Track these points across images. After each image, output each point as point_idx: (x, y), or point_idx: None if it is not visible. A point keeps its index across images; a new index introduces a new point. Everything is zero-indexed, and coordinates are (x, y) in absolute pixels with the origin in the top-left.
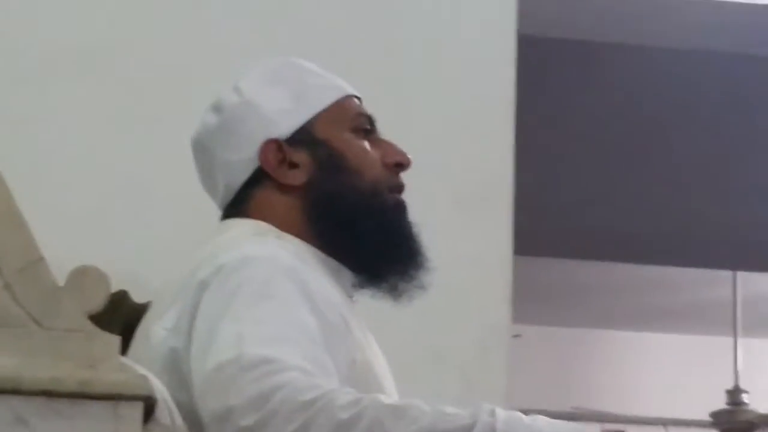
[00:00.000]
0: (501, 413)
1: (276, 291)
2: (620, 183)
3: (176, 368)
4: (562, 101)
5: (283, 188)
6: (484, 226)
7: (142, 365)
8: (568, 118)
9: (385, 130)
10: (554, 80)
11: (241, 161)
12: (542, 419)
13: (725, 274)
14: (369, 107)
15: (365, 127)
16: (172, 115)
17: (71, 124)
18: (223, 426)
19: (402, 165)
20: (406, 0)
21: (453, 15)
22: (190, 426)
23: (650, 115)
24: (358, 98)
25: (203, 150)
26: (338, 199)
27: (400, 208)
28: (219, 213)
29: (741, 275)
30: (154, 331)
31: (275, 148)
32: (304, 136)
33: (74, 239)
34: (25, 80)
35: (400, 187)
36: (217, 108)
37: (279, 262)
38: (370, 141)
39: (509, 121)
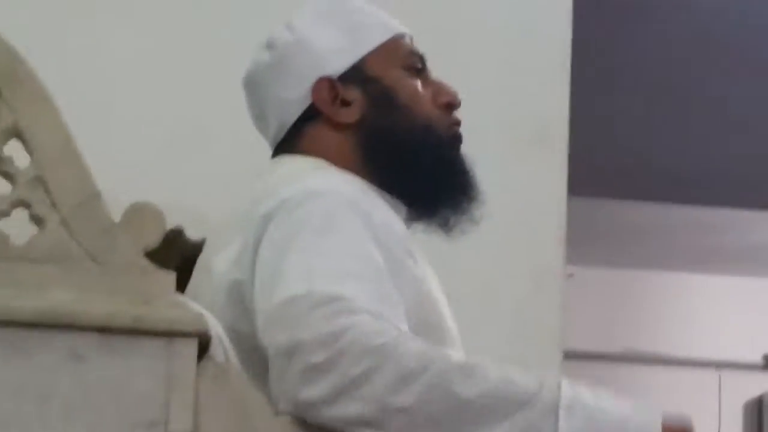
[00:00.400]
0: (567, 390)
1: (342, 224)
2: (676, 124)
3: (239, 299)
4: (619, 42)
5: (336, 125)
6: (539, 166)
7: (204, 298)
8: (624, 57)
9: (441, 69)
10: (610, 20)
11: (293, 98)
12: (608, 402)
13: None
14: (425, 48)
15: (417, 66)
16: (220, 49)
17: (128, 61)
18: (290, 360)
19: (452, 105)
20: None
21: None
22: (250, 356)
23: (707, 57)
24: (410, 37)
25: (256, 87)
26: (391, 135)
27: (455, 141)
28: (268, 150)
29: None
30: (216, 263)
31: (328, 85)
32: (356, 74)
33: (130, 176)
34: (87, 15)
35: (456, 122)
36: (270, 45)
37: (343, 195)
38: (421, 80)
39: (565, 60)
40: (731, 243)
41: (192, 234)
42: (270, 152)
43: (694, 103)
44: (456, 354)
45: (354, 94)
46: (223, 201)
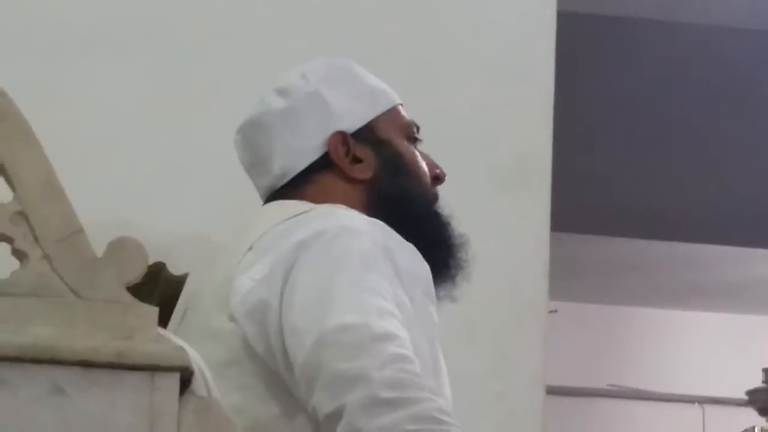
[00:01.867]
0: None
1: (377, 264)
2: (658, 160)
3: (261, 319)
4: (601, 78)
5: (348, 179)
6: (522, 203)
7: (234, 307)
8: (606, 94)
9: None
10: (593, 57)
11: (306, 147)
12: None
13: (762, 253)
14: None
15: (414, 135)
16: (210, 88)
17: (112, 98)
18: (353, 388)
19: (440, 179)
20: None
21: None
22: (263, 378)
23: (689, 92)
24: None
25: (263, 130)
26: (400, 199)
27: (447, 217)
28: (255, 189)
29: None
30: (241, 281)
31: (342, 140)
32: (368, 134)
33: (113, 211)
34: (65, 54)
35: (437, 197)
36: (284, 92)
37: (375, 236)
38: (416, 149)
39: (548, 97)
40: (714, 279)
41: (173, 269)
42: (254, 191)
43: (676, 140)
44: None
45: (365, 153)
46: (205, 237)
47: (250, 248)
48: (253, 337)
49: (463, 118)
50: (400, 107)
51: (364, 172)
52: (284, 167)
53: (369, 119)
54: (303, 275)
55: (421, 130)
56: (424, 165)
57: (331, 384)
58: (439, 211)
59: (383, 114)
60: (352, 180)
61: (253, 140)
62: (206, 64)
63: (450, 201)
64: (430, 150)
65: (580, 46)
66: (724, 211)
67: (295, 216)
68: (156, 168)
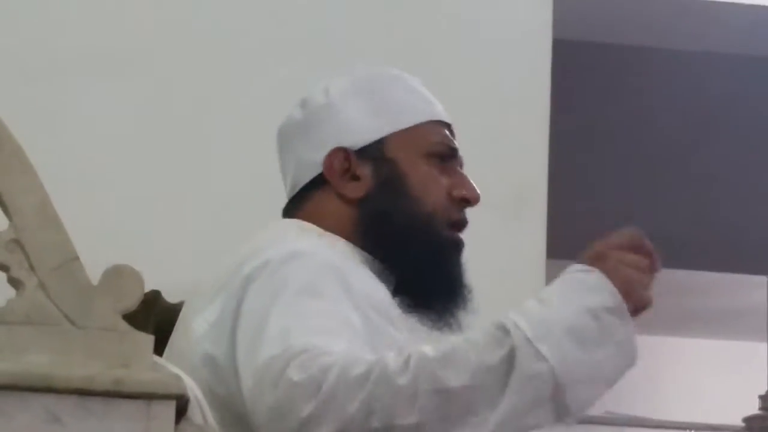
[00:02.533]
0: (521, 322)
1: (322, 287)
2: (655, 187)
3: (213, 368)
4: (597, 105)
5: (342, 197)
6: (518, 230)
7: (182, 358)
8: (602, 122)
9: None
10: (589, 84)
11: (310, 161)
12: (553, 300)
13: (760, 279)
14: None
15: (442, 154)
16: (206, 115)
17: (107, 126)
18: (283, 420)
19: (468, 201)
20: (442, 5)
21: (489, 19)
22: (230, 420)
23: (686, 119)
24: (449, 126)
25: (284, 141)
26: (390, 220)
27: (456, 246)
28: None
29: None
30: (197, 323)
31: (342, 156)
32: (373, 151)
33: (108, 239)
34: (59, 81)
35: (461, 223)
36: (303, 104)
37: (324, 258)
38: (444, 169)
39: (544, 125)
40: (709, 306)
41: (169, 297)
42: (250, 214)
43: (673, 167)
44: (423, 346)
45: (365, 170)
46: (200, 264)
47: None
48: (213, 383)
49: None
50: (433, 126)
51: (356, 191)
52: (294, 180)
53: (381, 135)
54: (246, 314)
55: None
56: (437, 186)
57: (270, 421)
58: (444, 235)
59: (403, 131)
60: (344, 198)
61: (279, 151)
62: (204, 87)
63: None
64: None
65: (575, 73)
66: (719, 238)
67: (253, 245)
68: (152, 195)
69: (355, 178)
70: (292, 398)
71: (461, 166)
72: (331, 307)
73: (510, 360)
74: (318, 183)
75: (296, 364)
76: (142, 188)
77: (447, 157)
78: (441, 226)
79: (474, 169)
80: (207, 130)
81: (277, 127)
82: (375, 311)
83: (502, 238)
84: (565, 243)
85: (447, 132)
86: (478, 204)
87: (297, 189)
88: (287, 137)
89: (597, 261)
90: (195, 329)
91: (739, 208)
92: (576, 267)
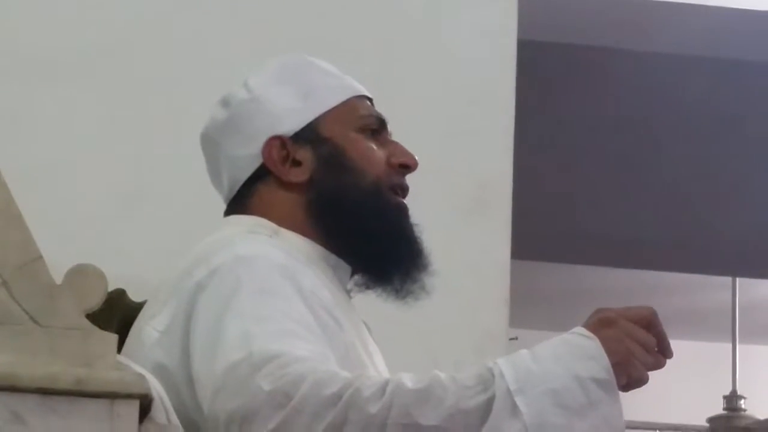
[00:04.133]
0: (508, 371)
1: (273, 287)
2: (619, 188)
3: (165, 373)
4: (562, 106)
5: (286, 185)
6: (483, 231)
7: (136, 364)
8: (567, 122)
9: None
10: (554, 85)
11: (246, 157)
12: (545, 357)
13: (725, 280)
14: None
15: (372, 127)
16: (169, 114)
17: (71, 125)
18: (250, 427)
19: (408, 166)
20: (407, 6)
21: (454, 20)
22: (185, 428)
23: (650, 120)
24: (370, 100)
25: (211, 144)
26: (340, 198)
27: (402, 209)
28: (220, 209)
29: (740, 281)
30: (147, 331)
31: (279, 144)
32: (309, 134)
33: (72, 238)
34: (24, 81)
35: (403, 187)
36: (225, 103)
37: (271, 259)
38: (377, 141)
39: (509, 125)
40: (675, 307)
41: (133, 296)
42: (214, 212)
43: (636, 168)
44: (405, 376)
45: (305, 154)
46: (165, 263)
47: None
48: (163, 390)
49: (424, 147)
50: (358, 100)
51: (300, 174)
52: (230, 180)
53: (312, 118)
54: (199, 323)
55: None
56: (376, 157)
57: (231, 425)
58: (392, 201)
59: (332, 110)
60: (288, 185)
61: (206, 155)
62: (167, 89)
63: None
64: None
65: (540, 74)
66: (686, 239)
67: (201, 248)
68: (116, 194)
69: (296, 163)
70: (260, 408)
71: (391, 135)
72: (286, 307)
73: (487, 409)
74: (259, 176)
75: (265, 373)
76: (106, 187)
77: (377, 128)
78: (387, 193)
79: (439, 168)
80: (171, 129)
81: (202, 133)
82: (323, 310)
83: (467, 237)
84: (530, 243)
85: (371, 105)
86: (443, 202)
87: (237, 187)
88: (214, 139)
89: (604, 326)
90: (145, 337)
91: (705, 210)
92: (579, 330)
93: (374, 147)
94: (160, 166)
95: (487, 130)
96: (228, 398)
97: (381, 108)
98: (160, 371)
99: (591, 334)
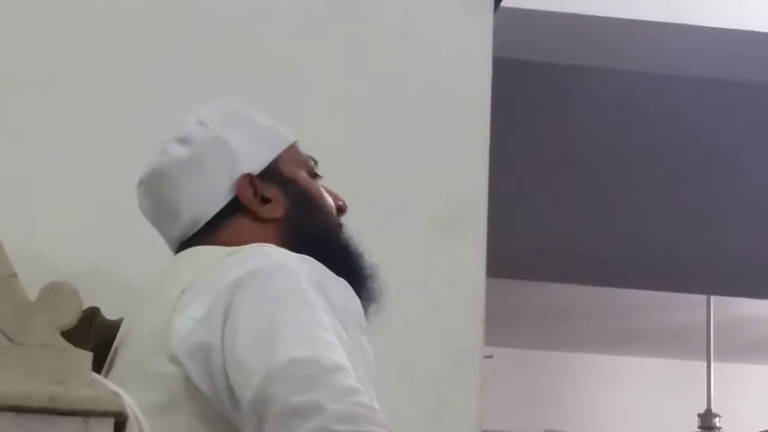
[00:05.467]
0: None
1: (315, 300)
2: (594, 206)
3: (204, 358)
4: (537, 124)
5: (259, 220)
6: (458, 248)
7: (174, 349)
8: (543, 141)
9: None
10: (529, 103)
11: (214, 193)
12: None
13: (699, 298)
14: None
15: (314, 171)
16: (147, 129)
17: (39, 143)
18: (309, 419)
19: (342, 210)
20: (381, 21)
21: (429, 37)
22: (202, 420)
23: (625, 139)
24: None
25: (168, 180)
26: (313, 233)
27: (351, 247)
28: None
29: (715, 299)
30: (180, 321)
31: (248, 182)
32: (273, 174)
33: (46, 256)
34: (2, 95)
35: (342, 227)
36: (185, 140)
37: (307, 272)
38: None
39: (484, 143)
40: (649, 325)
41: (107, 314)
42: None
43: (610, 187)
44: None
45: (273, 192)
46: (140, 282)
47: (183, 291)
48: (197, 376)
49: (399, 164)
50: (296, 144)
51: (275, 211)
52: (194, 215)
53: (271, 159)
54: (243, 313)
55: (318, 164)
56: (329, 198)
57: (284, 417)
58: (348, 241)
59: (283, 153)
60: (263, 220)
61: (158, 191)
62: (146, 104)
63: (385, 246)
64: (367, 196)
65: (515, 92)
66: (659, 257)
67: (225, 256)
68: (90, 212)
69: (265, 200)
70: (330, 410)
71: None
72: (330, 321)
73: None
74: (228, 212)
75: (340, 380)
76: (80, 204)
77: (315, 173)
78: (340, 232)
79: (413, 186)
80: (146, 146)
81: (154, 169)
82: (354, 325)
83: (442, 255)
84: (505, 261)
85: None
86: (418, 219)
87: (202, 222)
88: (171, 176)
89: None
90: (179, 326)
91: (679, 228)
92: None
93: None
94: (131, 184)
95: (463, 147)
96: (292, 389)
97: (355, 125)
98: (202, 351)
99: None
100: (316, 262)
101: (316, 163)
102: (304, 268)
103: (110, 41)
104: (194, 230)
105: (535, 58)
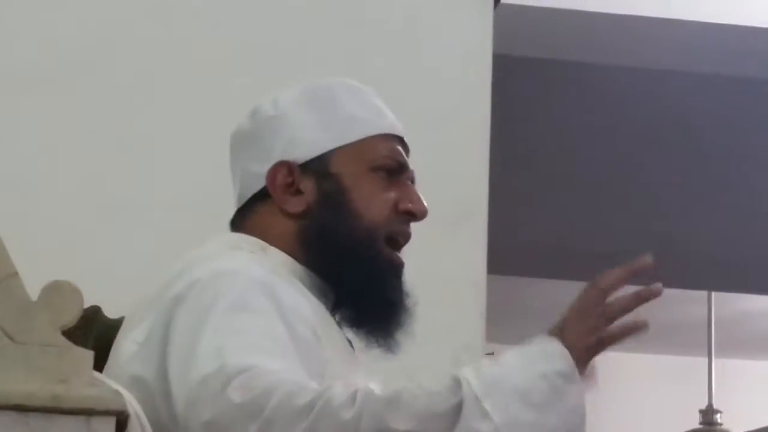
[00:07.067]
0: (473, 378)
1: (250, 304)
2: (595, 202)
3: (143, 386)
4: (538, 121)
5: (283, 211)
6: (459, 245)
7: (113, 378)
8: (543, 137)
9: None
10: (530, 100)
11: (255, 173)
12: (507, 361)
13: (700, 294)
14: None
15: (389, 167)
16: (146, 129)
17: (40, 142)
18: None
19: (413, 215)
20: (383, 20)
21: (430, 35)
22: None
23: (625, 134)
24: (400, 139)
25: (232, 150)
26: (332, 237)
27: (395, 269)
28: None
29: (716, 295)
30: (125, 345)
31: (286, 170)
32: (318, 166)
33: (47, 254)
34: (1, 94)
35: (404, 234)
36: (253, 114)
37: (251, 275)
38: (391, 183)
39: (485, 140)
40: (651, 320)
41: (109, 313)
42: (189, 230)
43: (614, 182)
44: (373, 386)
45: (308, 185)
46: (141, 280)
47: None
48: (141, 404)
49: None
50: (383, 139)
51: (296, 205)
52: (240, 191)
53: (327, 149)
54: (176, 334)
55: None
56: (380, 200)
57: None
58: (384, 253)
59: (349, 145)
60: (286, 213)
61: (230, 158)
62: (145, 104)
63: None
64: None
65: (516, 89)
66: (662, 253)
67: (185, 265)
68: (92, 210)
69: (299, 192)
70: (234, 420)
71: (412, 180)
72: (262, 323)
73: (456, 413)
74: (262, 195)
75: (236, 385)
76: (81, 203)
77: (394, 171)
78: (381, 244)
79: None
80: (146, 145)
81: (230, 136)
82: (303, 324)
83: (443, 253)
84: (506, 258)
85: (398, 146)
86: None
87: (243, 201)
88: (236, 146)
89: (561, 331)
90: (123, 350)
91: (680, 223)
92: (537, 338)
93: (382, 190)
94: (136, 183)
95: (464, 145)
96: (201, 410)
97: None
98: (137, 384)
99: (550, 338)
100: (274, 266)
101: (401, 163)
102: (251, 268)
103: (110, 41)
104: (239, 206)
105: (535, 55)
